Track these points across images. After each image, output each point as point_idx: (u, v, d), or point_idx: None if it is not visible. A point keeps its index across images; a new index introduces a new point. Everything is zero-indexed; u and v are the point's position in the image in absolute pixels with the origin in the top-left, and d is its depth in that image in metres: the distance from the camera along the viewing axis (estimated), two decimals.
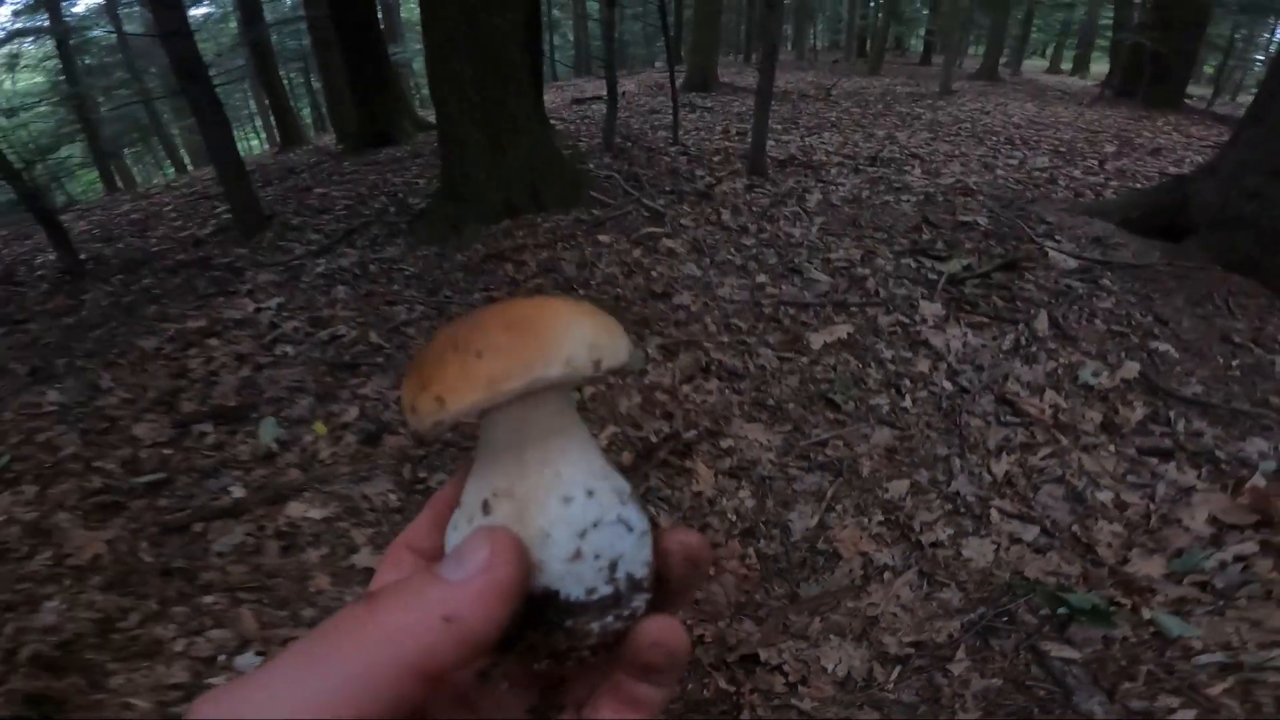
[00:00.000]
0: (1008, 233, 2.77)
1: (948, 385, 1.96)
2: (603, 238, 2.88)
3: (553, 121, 5.93)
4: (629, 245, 2.79)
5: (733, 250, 2.71)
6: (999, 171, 3.97)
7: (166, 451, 1.90)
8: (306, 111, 16.34)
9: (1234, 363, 2.01)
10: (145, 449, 1.92)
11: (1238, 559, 1.43)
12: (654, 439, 1.80)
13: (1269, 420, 1.80)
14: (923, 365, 2.02)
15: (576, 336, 0.24)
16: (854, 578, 1.42)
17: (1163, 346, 2.05)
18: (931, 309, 2.24)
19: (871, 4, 17.92)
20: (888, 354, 2.07)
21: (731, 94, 8.26)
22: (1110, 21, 13.13)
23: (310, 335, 2.39)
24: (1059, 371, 1.97)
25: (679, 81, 8.96)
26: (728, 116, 6.20)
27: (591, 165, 3.98)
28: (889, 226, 2.87)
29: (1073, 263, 2.52)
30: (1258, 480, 1.61)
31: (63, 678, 1.37)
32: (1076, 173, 4.11)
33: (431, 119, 6.88)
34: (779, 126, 5.44)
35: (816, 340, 2.13)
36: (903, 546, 1.50)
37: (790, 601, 1.39)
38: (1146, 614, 1.31)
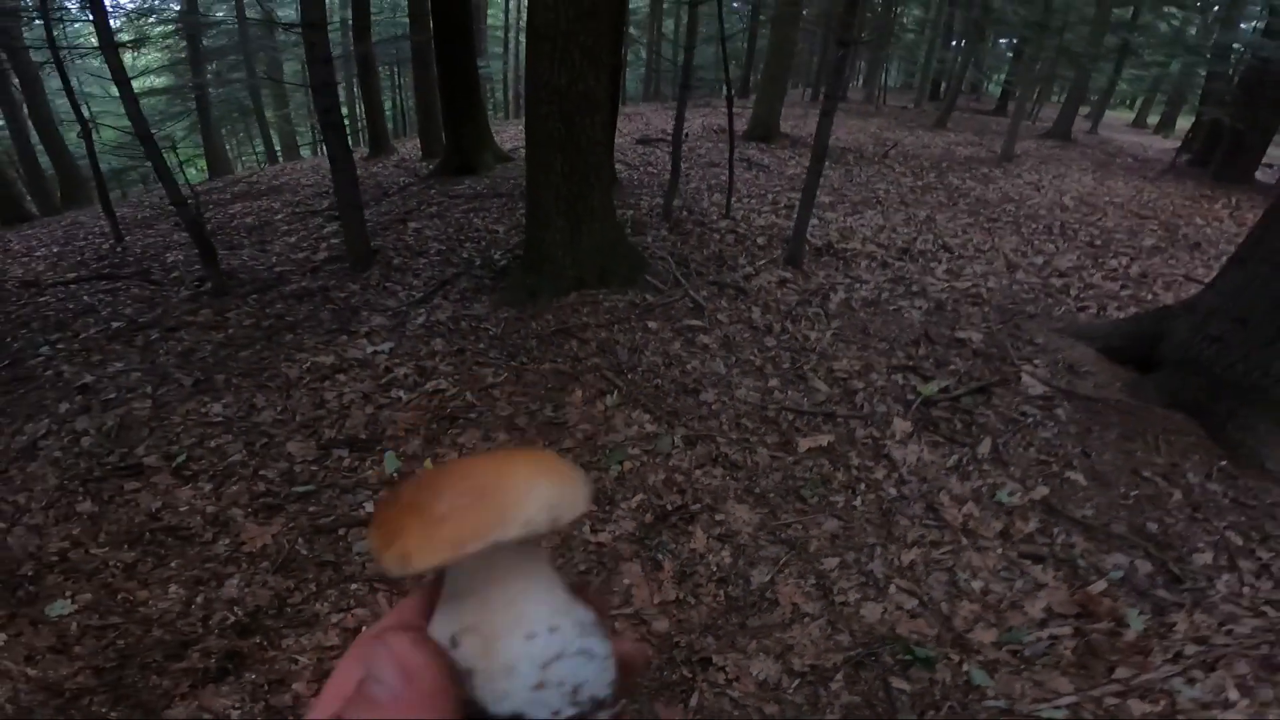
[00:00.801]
0: (994, 353, 3.23)
1: (893, 491, 2.46)
2: (651, 324, 3.49)
3: (618, 165, 6.57)
4: (672, 335, 3.39)
5: (755, 351, 3.27)
6: (1019, 274, 4.37)
7: (314, 468, 2.60)
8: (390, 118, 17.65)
9: (1133, 493, 2.45)
10: (298, 464, 2.63)
11: (1051, 637, 1.93)
12: (669, 507, 2.39)
13: (1135, 542, 2.25)
14: (879, 473, 2.54)
15: (535, 499, 0.26)
16: (784, 618, 1.99)
17: (1075, 475, 2.51)
18: (902, 426, 2.74)
19: (954, 44, 17.68)
20: (855, 461, 2.59)
21: (791, 149, 8.73)
22: (1201, 86, 12.84)
23: (419, 384, 3.08)
24: (983, 489, 2.45)
25: (741, 128, 9.45)
26: (781, 181, 6.71)
27: (650, 238, 4.60)
28: (892, 338, 3.37)
29: (1040, 389, 2.97)
30: (1098, 585, 2.08)
31: (247, 639, 2.05)
32: (1097, 276, 4.46)
33: (508, 148, 7.64)
34: (826, 199, 5.93)
35: (804, 444, 2.67)
36: (822, 603, 2.04)
37: (740, 628, 1.96)
38: (965, 667, 1.84)
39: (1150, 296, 4.14)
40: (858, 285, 3.96)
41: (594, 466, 2.57)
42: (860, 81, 19.58)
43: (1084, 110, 16.27)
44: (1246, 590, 2.17)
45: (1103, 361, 3.18)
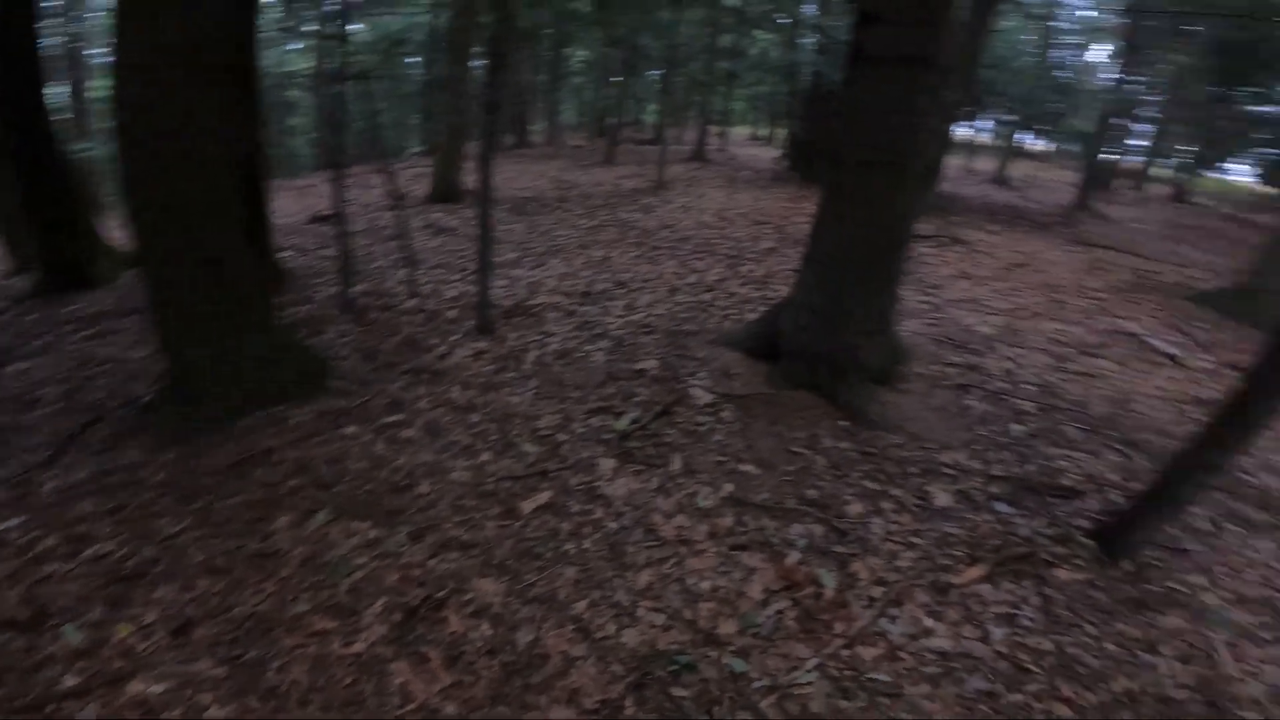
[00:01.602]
0: (668, 376, 3.74)
1: (614, 525, 2.72)
2: (348, 429, 3.32)
3: (288, 251, 6.06)
4: (372, 436, 3.27)
5: (462, 430, 3.32)
6: (680, 296, 5.12)
7: None
8: None
9: (790, 468, 3.07)
10: None
11: (776, 612, 2.34)
12: (414, 602, 2.33)
13: (804, 510, 2.83)
14: (599, 513, 2.78)
15: None
16: (560, 668, 2.09)
17: (747, 466, 3.06)
18: (607, 465, 3.05)
19: (612, 81, 19.78)
20: (575, 509, 2.80)
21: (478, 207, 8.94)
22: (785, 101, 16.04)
23: (75, 553, 2.51)
24: (684, 500, 2.85)
25: (425, 191, 9.39)
26: (470, 244, 6.85)
27: (332, 334, 4.35)
28: (583, 384, 3.70)
29: (706, 398, 3.53)
30: (792, 557, 2.59)
31: None
32: (737, 286, 5.42)
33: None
34: (512, 255, 6.23)
35: (526, 507, 2.80)
36: (587, 643, 2.18)
37: (525, 688, 2.02)
38: (724, 660, 2.13)
39: (773, 295, 5.17)
40: (549, 340, 4.26)
41: (323, 586, 2.39)
42: (540, 125, 20.79)
43: (718, 131, 19.47)
44: (894, 528, 2.80)
45: (746, 361, 3.89)
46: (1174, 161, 23.16)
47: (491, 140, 4.24)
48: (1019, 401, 3.87)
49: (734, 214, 8.37)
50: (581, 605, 2.33)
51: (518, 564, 2.52)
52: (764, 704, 2.00)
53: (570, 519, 2.75)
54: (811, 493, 2.94)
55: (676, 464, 3.06)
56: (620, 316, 4.67)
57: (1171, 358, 5.15)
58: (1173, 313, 6.31)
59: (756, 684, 2.06)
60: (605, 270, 5.76)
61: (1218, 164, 23.97)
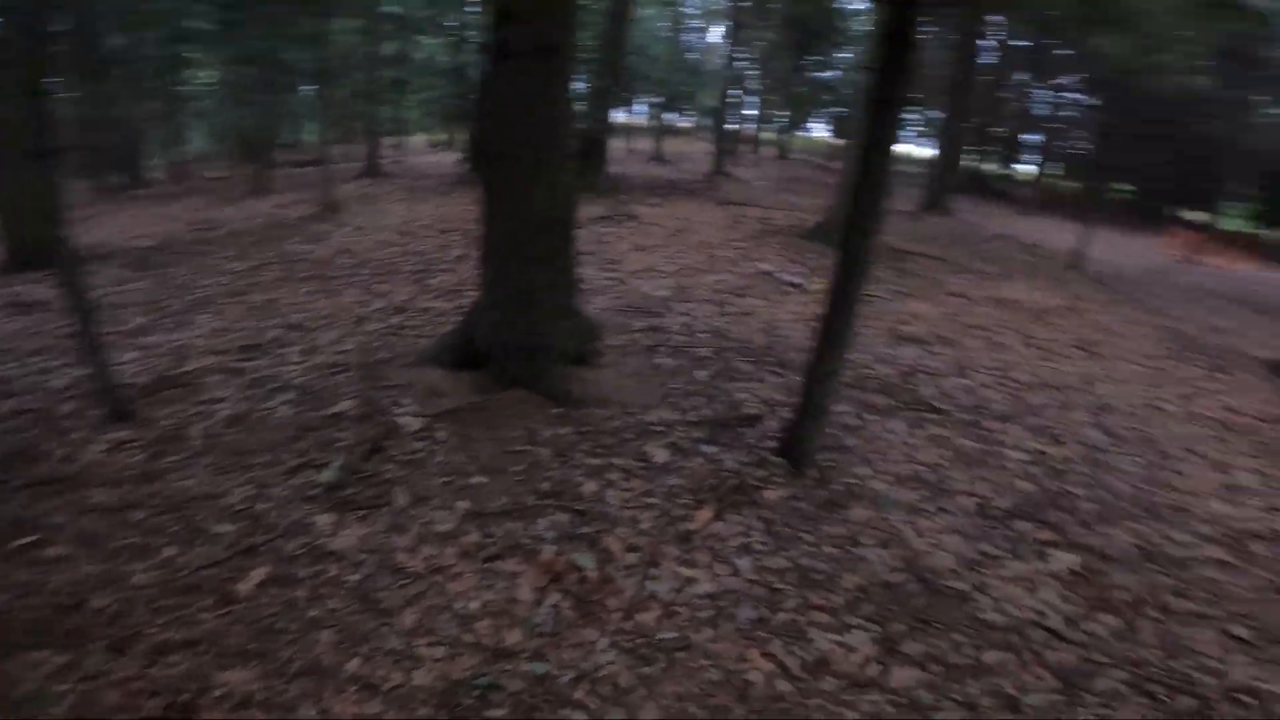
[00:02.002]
0: (371, 411, 3.47)
1: (355, 577, 2.46)
2: None
3: None
4: (3, 565, 2.48)
5: (128, 532, 2.67)
6: (369, 325, 4.76)
7: None
8: None
9: (518, 467, 3.10)
10: None
11: (551, 607, 2.35)
12: (156, 713, 1.92)
13: (545, 503, 2.88)
14: (334, 570, 2.48)
15: None
16: None
17: (477, 478, 3.01)
18: (325, 520, 2.73)
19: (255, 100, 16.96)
20: (304, 574, 2.46)
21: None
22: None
23: None
24: (422, 529, 2.69)
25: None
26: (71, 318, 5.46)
27: None
28: (272, 445, 3.24)
29: (416, 423, 3.37)
30: (547, 551, 2.62)
31: None
32: (429, 301, 5.23)
33: None
34: (141, 319, 5.15)
35: (243, 589, 2.38)
36: (380, 698, 1.98)
37: None
38: (524, 668, 2.09)
39: (467, 303, 5.10)
40: (216, 408, 3.63)
41: None
42: (161, 158, 17.22)
43: (394, 141, 18.33)
44: (628, 495, 2.94)
45: (450, 376, 3.80)
46: (775, 125, 28.53)
47: (57, 188, 3.42)
48: (698, 350, 4.45)
49: (417, 226, 8.06)
50: (355, 664, 2.10)
51: (261, 645, 2.16)
52: (578, 695, 2.02)
53: (303, 585, 2.42)
54: (545, 485, 3.01)
55: (402, 498, 2.87)
56: (300, 363, 4.18)
57: (797, 286, 6.40)
58: (793, 250, 7.83)
59: (563, 679, 2.06)
60: (272, 315, 5.09)
61: (803, 124, 30.27)
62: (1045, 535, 3.09)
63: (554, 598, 2.41)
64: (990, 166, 27.82)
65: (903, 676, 2.20)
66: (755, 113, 27.46)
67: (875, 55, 2.83)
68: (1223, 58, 15.81)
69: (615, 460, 3.24)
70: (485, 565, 2.55)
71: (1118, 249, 13.51)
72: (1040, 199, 20.95)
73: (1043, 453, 3.89)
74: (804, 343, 4.83)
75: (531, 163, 3.47)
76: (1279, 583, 3.01)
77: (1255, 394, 5.39)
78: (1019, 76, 23.68)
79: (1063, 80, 22.52)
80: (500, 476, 3.05)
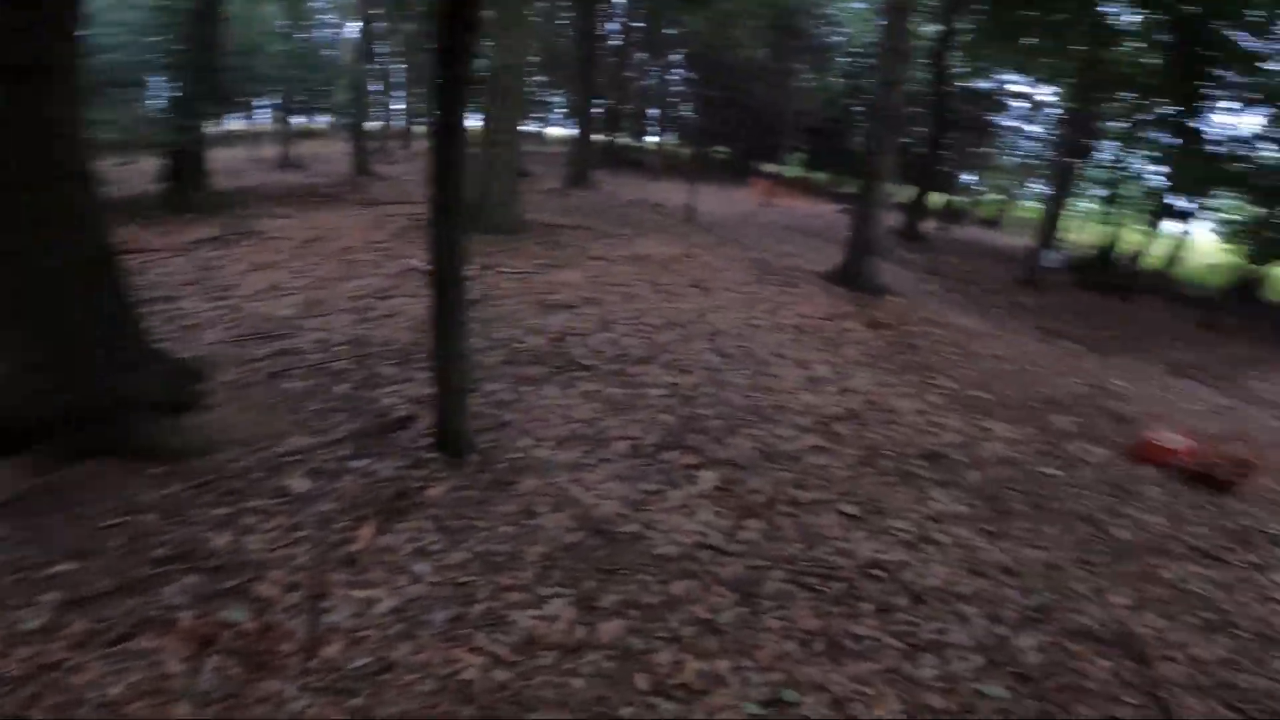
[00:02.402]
0: None
1: None
2: None
3: None
4: None
5: None
6: None
7: None
8: None
9: (118, 542, 2.50)
10: None
11: (214, 670, 2.02)
12: None
13: (165, 571, 2.37)
14: None
15: None
16: None
17: (63, 566, 2.35)
18: None
19: None
20: None
21: None
22: None
23: None
24: (6, 635, 2.08)
25: None
26: None
27: None
28: None
29: None
30: (185, 617, 2.19)
31: None
32: None
33: None
34: None
35: None
36: None
37: None
38: None
39: None
40: None
41: None
42: None
43: None
44: (274, 534, 2.62)
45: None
46: (429, 118, 27.49)
47: None
48: (335, 364, 4.11)
49: None
50: None
51: None
52: None
53: None
54: (161, 551, 2.49)
55: None
56: None
57: None
58: None
59: None
60: None
61: None
62: (689, 460, 3.49)
63: (213, 660, 2.07)
64: (624, 140, 30.96)
65: (609, 630, 2.26)
66: (403, 107, 26.18)
67: (438, 37, 2.82)
68: (775, 32, 19.99)
69: (248, 504, 2.83)
70: (110, 650, 2.07)
71: (719, 201, 16.27)
72: (664, 165, 24.07)
73: (675, 384, 4.46)
74: None
75: (37, 196, 2.75)
76: (862, 456, 3.85)
77: (817, 301, 7.02)
78: (640, 56, 26.57)
79: (672, 57, 25.95)
80: (97, 557, 2.44)
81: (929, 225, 17.40)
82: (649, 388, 4.35)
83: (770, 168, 24.18)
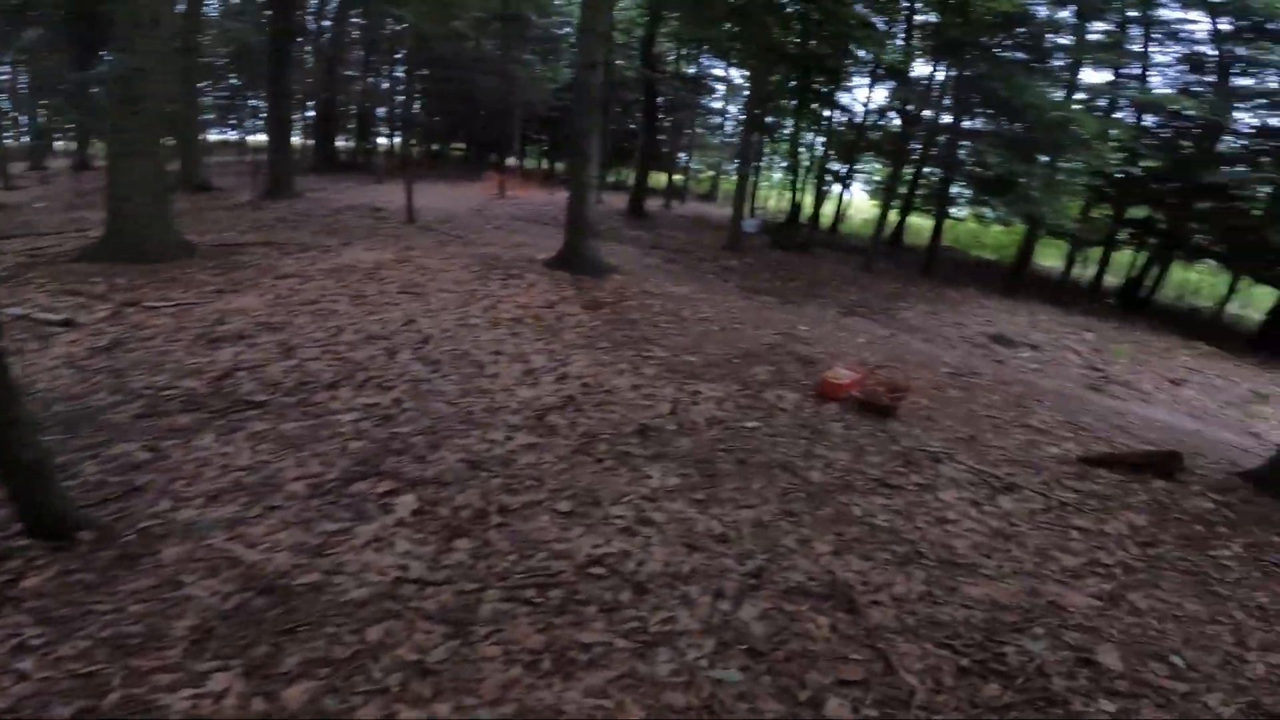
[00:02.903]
0: None
1: None
2: None
3: None
4: None
5: None
6: None
7: None
8: None
9: None
10: None
11: None
12: None
13: None
14: None
15: None
16: None
17: None
18: None
19: None
20: None
21: None
22: None
23: None
24: None
25: None
26: None
27: None
28: None
29: None
30: None
31: None
32: None
33: None
34: None
35: None
36: None
37: None
38: None
39: None
40: None
41: None
42: None
43: None
44: None
45: None
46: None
47: None
48: None
49: None
50: None
51: None
52: None
53: None
54: None
55: None
56: None
57: (67, 324, 4.97)
58: (66, 278, 6.10)
59: None
60: None
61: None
62: (385, 486, 3.11)
63: None
64: (348, 142, 28.24)
65: (295, 696, 1.97)
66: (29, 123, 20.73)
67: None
68: (500, 23, 19.38)
69: None
70: None
71: (451, 198, 15.57)
72: (390, 166, 22.39)
73: (373, 404, 3.98)
74: (77, 389, 3.80)
75: None
76: (578, 445, 3.72)
77: (538, 289, 6.90)
78: (359, 53, 24.14)
79: (397, 53, 23.96)
80: None
81: (654, 203, 18.55)
82: (338, 415, 3.85)
83: (510, 160, 23.81)
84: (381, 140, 29.79)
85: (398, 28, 21.13)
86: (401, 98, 25.97)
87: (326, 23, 22.77)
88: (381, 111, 27.95)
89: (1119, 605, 2.86)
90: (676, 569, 2.73)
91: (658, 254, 11.68)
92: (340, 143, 27.22)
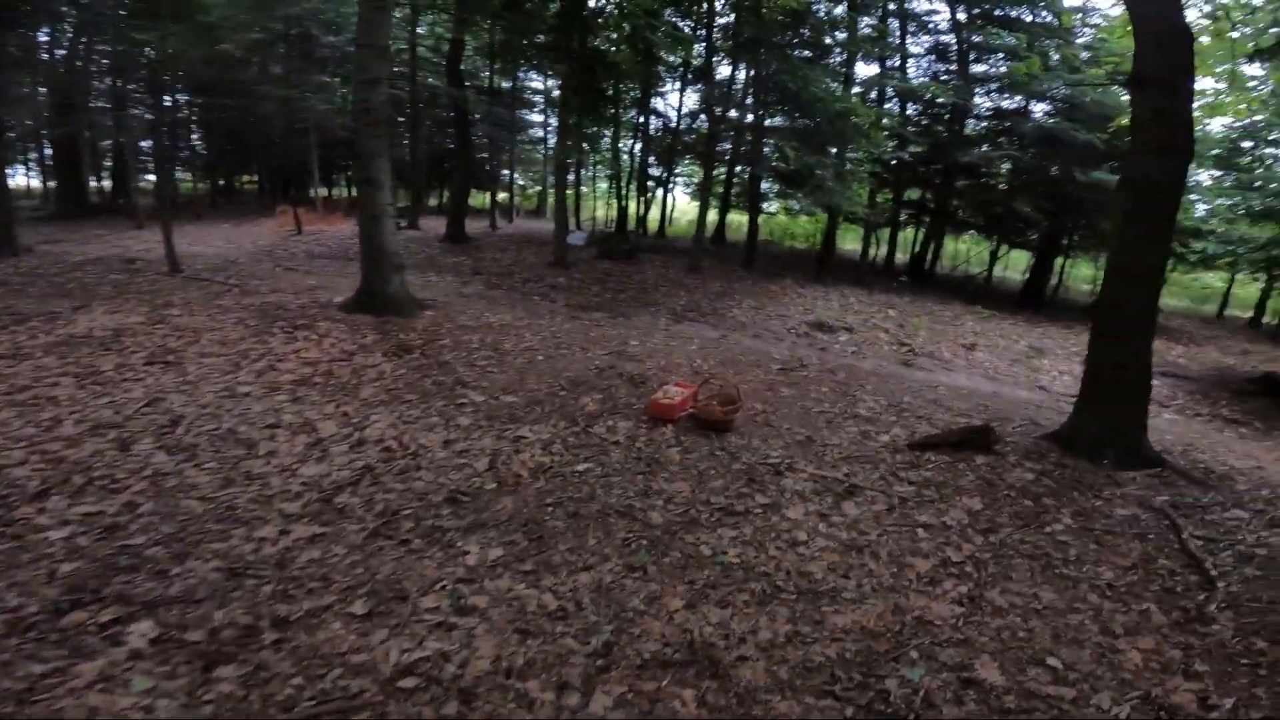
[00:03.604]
0: None
1: None
2: None
3: None
4: None
5: None
6: None
7: None
8: None
9: None
10: None
11: None
12: None
13: None
14: None
15: None
16: None
17: None
18: None
19: None
20: None
21: None
22: None
23: None
24: None
25: None
26: None
27: None
28: None
29: None
30: None
31: None
32: None
33: None
34: None
35: None
36: None
37: None
38: None
39: None
40: None
41: None
42: None
43: None
44: None
45: None
46: None
47: None
48: None
49: None
50: None
51: None
52: None
53: None
54: None
55: None
56: None
57: None
58: None
59: None
60: None
61: None
62: (110, 614, 2.44)
63: None
64: (104, 183, 24.07)
65: None
66: None
67: None
68: (284, 45, 17.16)
69: None
70: None
71: (234, 240, 13.65)
72: (166, 206, 19.28)
73: (94, 514, 3.11)
74: None
75: None
76: (372, 526, 3.12)
77: (332, 339, 5.94)
78: (110, 81, 20.31)
79: (167, 80, 20.53)
80: None
81: (478, 225, 17.66)
82: (45, 532, 2.96)
83: (317, 191, 21.47)
84: (152, 178, 25.84)
85: (152, 54, 18.27)
86: (179, 130, 22.66)
87: (62, 51, 19.13)
88: (148, 145, 24.21)
89: (981, 608, 2.80)
90: (509, 663, 2.30)
91: (479, 280, 10.93)
92: (100, 183, 23.18)
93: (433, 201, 25.28)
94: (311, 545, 2.97)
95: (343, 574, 2.77)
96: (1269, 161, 15.31)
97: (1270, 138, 15.02)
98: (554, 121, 25.48)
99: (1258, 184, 13.71)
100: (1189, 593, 2.98)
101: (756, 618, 2.64)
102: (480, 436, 4.17)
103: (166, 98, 21.93)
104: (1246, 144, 15.25)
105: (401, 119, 20.34)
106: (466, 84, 16.65)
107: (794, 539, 3.25)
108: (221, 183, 26.83)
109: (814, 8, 13.25)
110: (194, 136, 25.67)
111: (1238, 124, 14.34)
